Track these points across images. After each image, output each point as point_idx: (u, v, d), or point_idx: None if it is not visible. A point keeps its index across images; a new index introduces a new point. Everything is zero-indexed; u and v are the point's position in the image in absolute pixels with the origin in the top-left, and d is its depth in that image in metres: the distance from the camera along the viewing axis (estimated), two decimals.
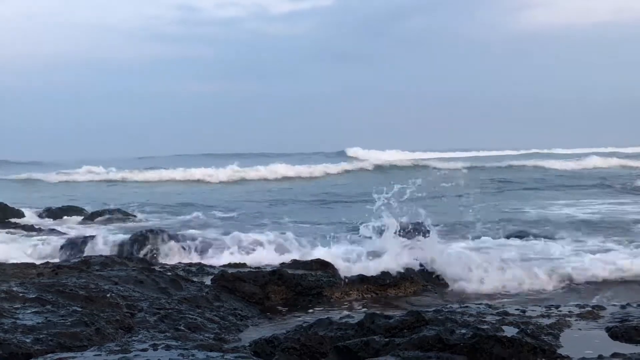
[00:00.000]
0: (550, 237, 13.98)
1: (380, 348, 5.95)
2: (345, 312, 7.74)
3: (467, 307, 8.19)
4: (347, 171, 45.80)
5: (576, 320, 7.60)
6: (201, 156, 79.44)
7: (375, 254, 10.98)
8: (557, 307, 7.85)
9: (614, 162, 50.71)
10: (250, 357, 5.62)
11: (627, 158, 53.59)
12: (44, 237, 13.85)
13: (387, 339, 6.11)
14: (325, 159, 63.54)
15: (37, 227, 15.32)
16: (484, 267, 10.25)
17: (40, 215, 19.33)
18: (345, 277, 9.98)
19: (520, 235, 14.24)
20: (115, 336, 6.71)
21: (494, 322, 7.18)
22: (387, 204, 10.85)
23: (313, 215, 21.13)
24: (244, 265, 10.98)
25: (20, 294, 7.32)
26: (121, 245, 12.15)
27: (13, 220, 16.89)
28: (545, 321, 7.47)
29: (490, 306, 8.08)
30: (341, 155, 74.30)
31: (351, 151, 77.14)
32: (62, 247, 12.22)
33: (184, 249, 12.17)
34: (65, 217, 18.96)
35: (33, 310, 6.87)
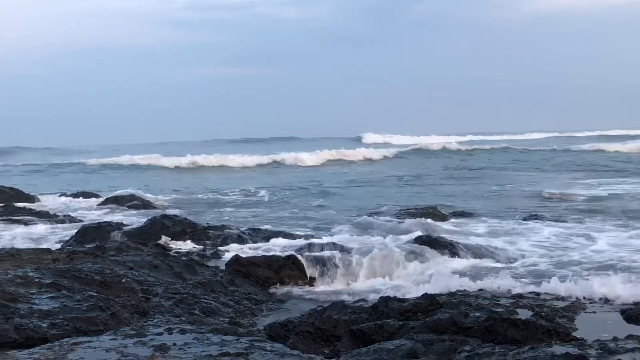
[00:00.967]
0: None
1: (395, 331, 5.96)
2: (359, 296, 7.74)
3: (481, 290, 8.19)
4: (386, 157, 43.79)
5: (591, 303, 7.60)
6: (224, 142, 79.14)
7: None
8: None
9: None
10: (265, 341, 5.64)
11: None
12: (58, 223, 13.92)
13: (401, 322, 6.12)
14: (351, 144, 63.33)
15: (52, 212, 15.38)
16: None
17: (54, 202, 19.42)
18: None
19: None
20: (130, 320, 6.75)
21: (508, 305, 7.18)
22: None
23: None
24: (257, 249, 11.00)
25: (36, 279, 7.36)
26: (138, 229, 12.18)
27: (28, 206, 16.97)
28: (560, 304, 7.47)
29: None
30: (358, 141, 73.84)
31: (371, 137, 76.38)
32: (76, 234, 12.26)
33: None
34: (78, 202, 19.02)
35: (49, 296, 6.92)
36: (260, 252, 10.48)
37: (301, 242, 11.36)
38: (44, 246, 10.12)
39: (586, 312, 7.18)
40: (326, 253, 10.14)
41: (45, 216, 14.55)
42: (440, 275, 8.83)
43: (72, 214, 15.51)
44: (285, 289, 9.03)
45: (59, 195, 20.47)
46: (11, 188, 19.44)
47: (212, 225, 12.77)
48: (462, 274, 9.07)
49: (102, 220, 13.47)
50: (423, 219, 13.81)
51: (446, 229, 13.26)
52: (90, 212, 16.93)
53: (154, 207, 17.40)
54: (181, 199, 20.53)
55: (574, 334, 6.13)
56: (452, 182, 26.09)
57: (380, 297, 6.98)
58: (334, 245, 10.44)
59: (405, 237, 11.28)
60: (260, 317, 7.63)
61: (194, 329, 5.89)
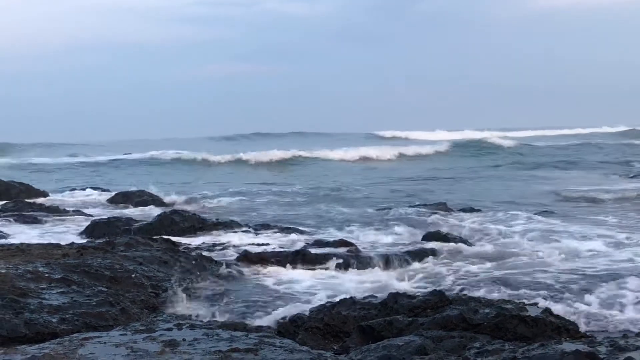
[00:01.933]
0: None
1: (404, 327, 5.96)
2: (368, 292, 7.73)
3: (492, 285, 8.17)
4: (438, 152, 43.13)
5: None
6: (239, 137, 78.98)
7: None
8: None
9: None
10: (274, 337, 5.65)
11: None
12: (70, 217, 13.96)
13: (410, 319, 6.12)
14: (369, 140, 63.21)
15: (62, 208, 15.41)
16: None
17: (64, 198, 19.46)
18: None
19: None
20: (140, 316, 6.76)
21: (518, 300, 7.17)
22: None
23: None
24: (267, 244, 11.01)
25: (46, 275, 7.39)
26: (148, 225, 12.21)
27: (38, 201, 17.02)
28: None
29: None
30: (372, 137, 73.42)
31: (390, 133, 75.81)
32: (86, 229, 12.30)
33: None
34: (88, 198, 19.08)
35: (59, 291, 6.94)
36: (269, 248, 10.51)
37: (310, 237, 11.42)
38: (54, 241, 10.14)
39: None
40: (332, 249, 10.20)
41: (55, 211, 14.59)
42: None
43: (82, 209, 15.54)
44: None
45: (69, 191, 20.53)
46: (21, 183, 19.49)
47: (222, 221, 12.78)
48: None
49: (111, 216, 13.50)
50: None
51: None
52: (100, 208, 16.97)
53: (164, 203, 17.42)
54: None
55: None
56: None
57: (390, 293, 6.97)
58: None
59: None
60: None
61: (203, 324, 5.90)
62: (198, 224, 12.30)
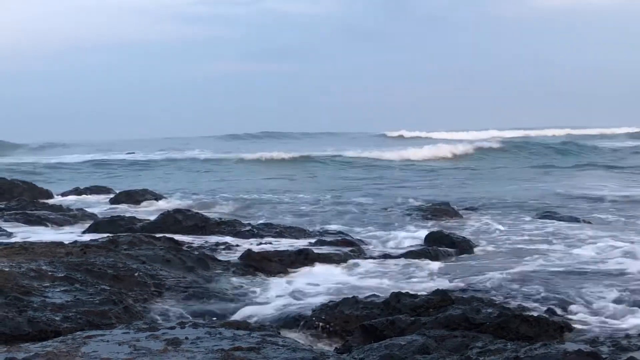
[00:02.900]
0: None
1: (406, 327, 5.96)
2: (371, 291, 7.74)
3: (494, 285, 8.18)
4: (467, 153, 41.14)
5: None
6: (247, 136, 78.84)
7: None
8: None
9: None
10: (277, 335, 5.66)
11: None
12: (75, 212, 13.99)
13: (412, 318, 6.12)
14: (378, 140, 63.09)
15: (65, 206, 15.42)
16: None
17: (67, 197, 19.48)
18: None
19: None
20: (143, 314, 6.78)
21: (521, 300, 7.18)
22: None
23: None
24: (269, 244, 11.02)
25: (50, 273, 7.40)
26: (151, 223, 12.22)
27: (42, 200, 17.02)
28: None
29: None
30: (385, 137, 72.96)
31: (408, 133, 75.13)
32: (89, 227, 12.32)
33: None
34: (91, 197, 19.09)
35: (62, 289, 6.96)
36: (272, 247, 10.51)
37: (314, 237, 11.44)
38: (57, 240, 10.15)
39: None
40: (335, 249, 10.20)
41: (58, 210, 14.60)
42: None
43: (86, 208, 15.56)
44: None
45: (73, 189, 20.54)
46: (24, 182, 19.50)
47: (225, 220, 12.79)
48: None
49: (114, 215, 13.51)
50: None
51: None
52: (104, 207, 17.00)
53: (167, 202, 17.44)
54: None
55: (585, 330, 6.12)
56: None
57: (392, 292, 6.98)
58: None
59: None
60: None
61: (206, 322, 5.91)
62: (201, 223, 12.30)
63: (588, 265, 9.26)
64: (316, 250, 10.07)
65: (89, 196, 19.41)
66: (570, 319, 6.42)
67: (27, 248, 8.82)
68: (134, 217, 12.98)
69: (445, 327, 5.86)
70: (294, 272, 9.09)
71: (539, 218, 13.78)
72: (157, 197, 17.99)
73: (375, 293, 7.44)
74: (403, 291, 7.03)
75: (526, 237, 11.83)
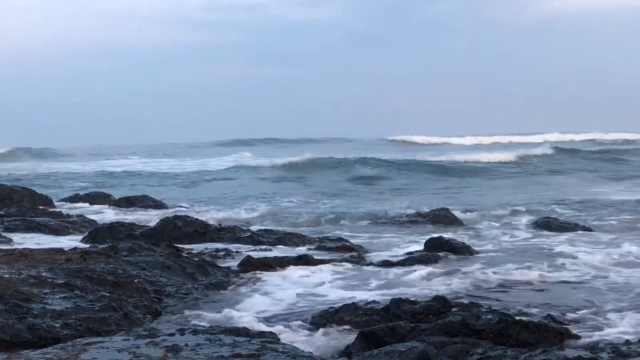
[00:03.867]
0: None
1: (406, 333, 5.97)
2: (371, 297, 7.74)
3: (494, 291, 8.18)
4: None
5: None
6: (255, 141, 78.29)
7: None
8: None
9: None
10: (277, 342, 5.66)
11: None
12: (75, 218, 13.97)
13: (412, 325, 6.13)
14: (385, 144, 62.66)
15: (65, 213, 15.41)
16: None
17: (67, 203, 19.47)
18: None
19: None
20: (142, 321, 6.78)
21: (521, 306, 7.18)
22: None
23: None
24: (270, 250, 11.03)
25: (49, 280, 7.40)
26: (151, 230, 12.22)
27: (42, 207, 17.00)
28: None
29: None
30: (390, 142, 72.32)
31: (417, 138, 74.52)
32: (89, 234, 12.31)
33: None
34: (92, 204, 19.06)
35: (62, 296, 6.96)
36: (272, 253, 10.52)
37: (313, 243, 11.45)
38: (57, 246, 10.16)
39: None
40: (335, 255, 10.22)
41: (58, 216, 14.59)
42: None
43: (85, 215, 15.55)
44: None
45: (73, 196, 20.52)
46: (24, 188, 19.47)
47: (225, 227, 12.80)
48: None
49: (114, 221, 13.51)
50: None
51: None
52: (103, 213, 16.99)
53: (167, 208, 17.44)
54: None
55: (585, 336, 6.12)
56: None
57: (392, 299, 6.98)
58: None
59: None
60: None
61: (206, 329, 5.91)
62: (201, 229, 12.30)
63: (589, 272, 9.27)
64: (316, 256, 10.08)
65: (88, 203, 19.38)
66: (570, 326, 6.42)
67: (27, 255, 8.82)
68: (134, 224, 12.98)
69: (445, 333, 5.86)
70: (292, 276, 9.10)
71: (540, 225, 13.74)
72: (157, 204, 17.99)
73: (375, 299, 7.44)
74: (403, 297, 7.03)
75: (527, 244, 11.85)
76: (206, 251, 10.74)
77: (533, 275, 9.03)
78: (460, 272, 9.29)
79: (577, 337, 5.98)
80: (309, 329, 6.71)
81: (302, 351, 5.51)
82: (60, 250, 9.39)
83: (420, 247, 11.05)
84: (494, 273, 9.16)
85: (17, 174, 32.34)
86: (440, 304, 6.66)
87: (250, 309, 7.45)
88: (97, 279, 7.67)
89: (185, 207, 17.85)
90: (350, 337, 6.27)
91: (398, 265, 9.86)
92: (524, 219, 14.63)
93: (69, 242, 11.71)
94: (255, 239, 11.84)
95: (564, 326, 6.26)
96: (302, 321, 6.96)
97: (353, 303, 7.11)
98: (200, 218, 13.43)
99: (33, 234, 12.68)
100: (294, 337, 6.41)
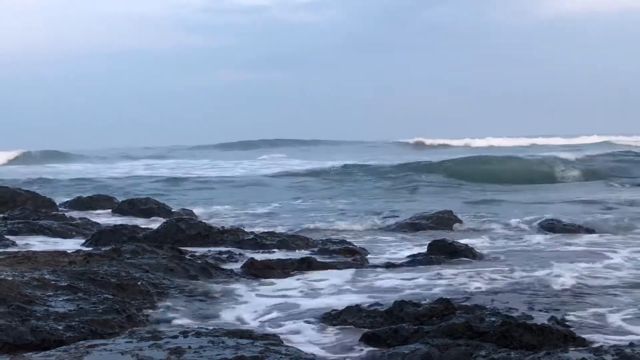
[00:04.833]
0: None
1: (409, 336, 5.96)
2: (374, 300, 7.73)
3: (496, 293, 8.17)
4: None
5: None
6: (263, 143, 78.11)
7: None
8: None
9: None
10: (280, 344, 5.65)
11: None
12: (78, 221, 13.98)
13: (416, 327, 6.12)
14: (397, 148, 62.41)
15: (68, 215, 15.43)
16: None
17: (69, 205, 19.49)
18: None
19: None
20: (146, 323, 6.78)
21: (525, 309, 7.16)
22: None
23: None
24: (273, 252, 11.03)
25: (52, 282, 7.41)
26: (154, 232, 12.22)
27: (45, 209, 17.01)
28: None
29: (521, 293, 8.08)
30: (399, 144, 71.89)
31: (427, 141, 74.12)
32: (92, 236, 12.32)
33: None
34: (94, 207, 19.06)
35: (65, 298, 6.96)
36: (275, 255, 10.53)
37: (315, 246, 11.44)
38: (60, 249, 10.16)
39: None
40: (338, 258, 10.21)
41: (61, 219, 14.61)
42: None
43: (89, 217, 15.56)
44: None
45: (76, 198, 20.53)
46: (27, 191, 19.50)
47: (228, 229, 12.80)
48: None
49: (117, 223, 13.52)
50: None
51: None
52: (107, 216, 17.01)
53: (169, 211, 17.44)
54: None
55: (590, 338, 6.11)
56: None
57: (395, 301, 6.98)
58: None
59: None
60: None
61: (209, 331, 5.90)
62: (204, 232, 12.30)
63: (593, 274, 9.26)
64: (319, 258, 10.08)
65: (91, 205, 19.39)
66: (574, 328, 6.40)
67: (30, 257, 8.83)
68: (137, 226, 12.99)
69: (448, 335, 5.86)
70: (295, 279, 9.10)
71: (546, 227, 13.73)
72: (160, 206, 17.99)
73: (378, 302, 7.43)
74: (406, 300, 7.02)
75: (532, 247, 11.84)
76: (209, 253, 10.74)
77: (537, 277, 9.02)
78: (464, 275, 9.29)
79: (581, 340, 5.96)
80: (312, 331, 6.71)
81: (305, 353, 5.51)
82: (63, 253, 9.40)
83: (424, 249, 11.02)
84: (498, 275, 9.16)
85: (71, 176, 30.91)
86: (444, 306, 6.65)
87: (253, 311, 7.46)
88: (100, 282, 7.67)
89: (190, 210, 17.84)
90: (354, 340, 6.28)
91: (401, 267, 9.87)
92: (530, 222, 14.59)
93: (72, 244, 11.72)
94: (258, 242, 11.83)
95: (568, 329, 6.25)
96: (305, 323, 6.95)
97: (356, 305, 7.10)
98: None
99: (36, 237, 12.70)
100: (297, 339, 6.41)
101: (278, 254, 10.81)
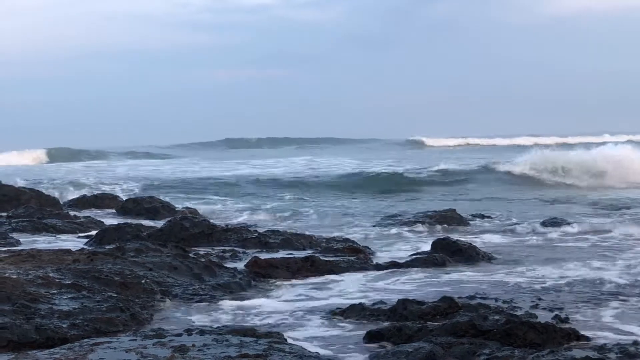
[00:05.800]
0: None
1: (413, 334, 5.96)
2: (377, 298, 7.74)
3: (500, 292, 8.17)
4: None
5: None
6: (273, 141, 77.69)
7: None
8: None
9: None
10: (284, 342, 5.66)
11: None
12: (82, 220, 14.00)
13: (420, 325, 6.12)
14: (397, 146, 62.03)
15: (72, 214, 15.46)
16: None
17: (74, 205, 19.51)
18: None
19: None
20: (150, 321, 6.79)
21: (528, 307, 7.16)
22: None
23: None
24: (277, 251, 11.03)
25: (57, 280, 7.42)
26: (158, 231, 12.22)
27: (49, 208, 17.03)
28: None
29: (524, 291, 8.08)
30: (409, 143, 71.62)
31: (431, 140, 74.04)
32: (96, 235, 12.34)
33: None
34: (98, 206, 19.08)
35: (69, 296, 6.97)
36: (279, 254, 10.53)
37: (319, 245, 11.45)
38: (64, 247, 10.17)
39: None
40: (341, 256, 10.20)
41: (65, 217, 14.63)
42: None
43: (93, 216, 15.59)
44: None
45: (80, 197, 20.56)
46: (31, 189, 19.54)
47: (232, 227, 12.81)
48: None
49: (121, 222, 13.53)
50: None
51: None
52: (111, 214, 17.03)
53: (173, 209, 17.44)
54: None
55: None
56: None
57: (399, 299, 6.98)
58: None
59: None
60: None
61: (213, 329, 5.92)
62: (208, 230, 12.30)
63: (596, 272, 9.25)
64: (323, 257, 10.08)
65: (96, 204, 19.41)
66: (578, 326, 6.40)
67: (34, 255, 8.84)
68: (141, 225, 13.00)
69: (452, 334, 5.86)
70: (299, 278, 9.11)
71: (549, 225, 13.72)
72: (164, 205, 18.00)
73: (382, 300, 7.44)
74: (410, 298, 7.03)
75: (535, 245, 11.84)
76: (213, 252, 10.75)
77: (541, 275, 9.01)
78: (467, 273, 9.29)
79: (585, 338, 5.96)
80: (316, 329, 6.71)
81: (309, 351, 5.52)
82: (67, 251, 9.41)
83: (427, 247, 11.02)
84: (502, 273, 9.16)
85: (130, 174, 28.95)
86: (448, 305, 6.66)
87: (256, 309, 7.47)
88: (105, 280, 7.69)
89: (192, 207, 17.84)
90: (358, 338, 6.29)
91: (405, 266, 9.87)
92: (533, 221, 14.58)
93: (77, 242, 11.74)
94: (262, 240, 11.83)
95: (572, 327, 6.25)
96: (309, 321, 6.96)
97: (360, 303, 7.11)
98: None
99: (40, 235, 12.72)
100: (301, 337, 6.41)
101: (282, 253, 10.81)
